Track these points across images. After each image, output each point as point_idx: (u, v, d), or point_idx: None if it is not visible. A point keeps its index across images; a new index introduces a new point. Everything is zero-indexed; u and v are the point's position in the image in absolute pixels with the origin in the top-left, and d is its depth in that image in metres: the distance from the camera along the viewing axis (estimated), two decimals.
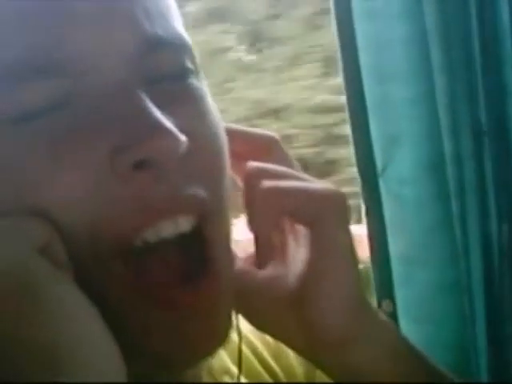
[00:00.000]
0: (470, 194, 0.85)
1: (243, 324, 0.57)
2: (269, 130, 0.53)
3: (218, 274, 0.44)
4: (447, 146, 0.86)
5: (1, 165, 0.41)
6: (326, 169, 1.53)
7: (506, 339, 0.85)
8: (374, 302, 0.96)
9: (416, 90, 0.87)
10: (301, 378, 0.60)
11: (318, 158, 1.56)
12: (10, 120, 0.41)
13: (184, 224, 0.43)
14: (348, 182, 1.19)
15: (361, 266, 0.51)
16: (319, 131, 1.59)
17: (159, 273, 0.43)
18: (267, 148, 0.51)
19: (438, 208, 0.89)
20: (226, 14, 1.66)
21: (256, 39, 1.64)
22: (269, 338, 0.60)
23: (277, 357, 0.59)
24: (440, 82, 0.84)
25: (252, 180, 0.48)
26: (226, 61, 1.68)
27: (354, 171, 0.97)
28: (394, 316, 0.95)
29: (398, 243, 0.92)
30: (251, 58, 1.69)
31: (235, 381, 0.55)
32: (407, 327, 0.94)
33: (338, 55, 0.92)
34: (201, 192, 0.43)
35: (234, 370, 0.56)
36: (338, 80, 0.94)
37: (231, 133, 0.48)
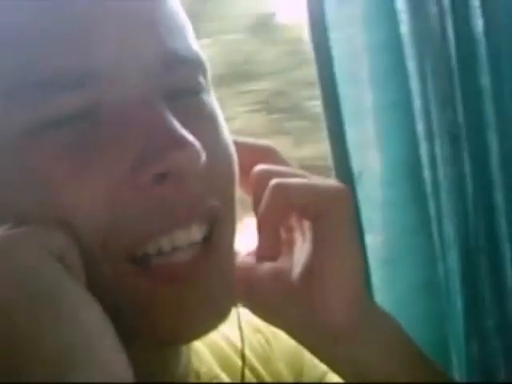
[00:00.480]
0: (446, 195, 0.86)
1: (228, 331, 0.58)
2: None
3: (218, 250, 0.46)
4: (423, 150, 0.87)
5: (26, 176, 0.42)
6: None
7: (487, 336, 0.86)
8: None
9: (392, 96, 0.88)
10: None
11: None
12: (35, 131, 0.41)
13: (197, 233, 0.45)
14: None
15: None
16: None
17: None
18: (267, 157, 0.53)
19: (415, 210, 0.91)
20: None
21: None
22: (256, 344, 0.61)
23: (264, 363, 0.60)
24: (416, 87, 0.85)
25: (261, 180, 0.50)
26: None
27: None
28: None
29: (377, 245, 0.93)
30: None
31: None
32: None
33: (313, 62, 0.93)
34: (216, 202, 0.45)
35: (223, 376, 0.57)
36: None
37: (235, 145, 0.49)
